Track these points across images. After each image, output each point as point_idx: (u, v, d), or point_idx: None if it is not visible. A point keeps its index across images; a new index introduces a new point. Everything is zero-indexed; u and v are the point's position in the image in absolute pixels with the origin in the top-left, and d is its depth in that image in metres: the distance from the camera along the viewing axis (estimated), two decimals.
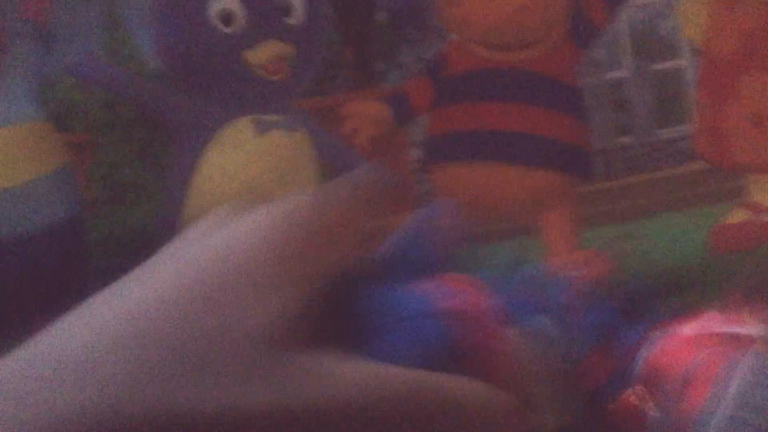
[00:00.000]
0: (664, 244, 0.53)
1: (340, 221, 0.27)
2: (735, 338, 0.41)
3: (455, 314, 0.32)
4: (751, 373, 0.41)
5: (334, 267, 0.26)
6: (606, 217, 0.49)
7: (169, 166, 0.52)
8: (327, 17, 0.51)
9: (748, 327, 0.39)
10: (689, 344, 0.44)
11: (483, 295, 0.36)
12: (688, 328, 0.44)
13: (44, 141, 0.51)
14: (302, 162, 0.53)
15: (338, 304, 0.30)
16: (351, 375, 0.26)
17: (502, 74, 0.53)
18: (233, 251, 0.25)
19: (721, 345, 0.41)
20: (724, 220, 0.57)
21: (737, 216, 0.55)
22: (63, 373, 0.23)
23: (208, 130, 0.52)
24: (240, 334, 0.23)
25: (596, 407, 0.48)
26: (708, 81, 0.58)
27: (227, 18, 0.49)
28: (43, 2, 0.49)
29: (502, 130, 0.52)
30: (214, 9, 0.50)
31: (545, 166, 0.55)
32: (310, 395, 0.23)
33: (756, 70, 0.55)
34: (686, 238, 0.53)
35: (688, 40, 0.55)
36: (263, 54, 0.50)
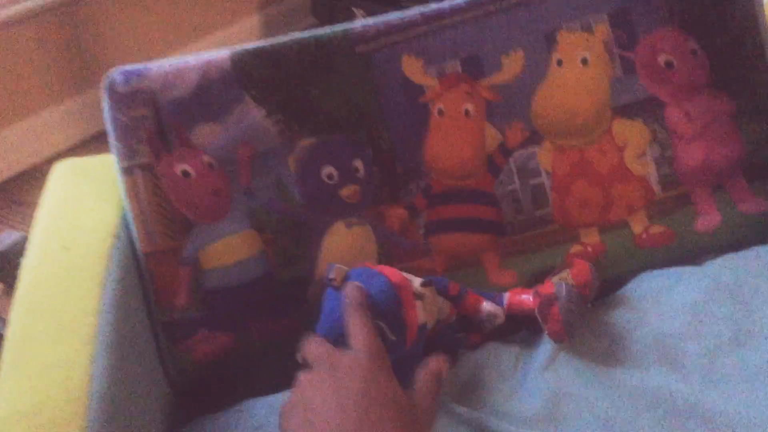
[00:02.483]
0: None
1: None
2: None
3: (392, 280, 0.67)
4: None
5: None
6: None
7: (306, 247, 0.86)
8: (376, 172, 0.86)
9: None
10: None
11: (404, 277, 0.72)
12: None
13: (250, 238, 0.85)
14: (371, 243, 0.87)
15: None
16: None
17: (460, 189, 0.86)
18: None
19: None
20: None
21: None
22: None
23: (324, 227, 0.86)
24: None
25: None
26: None
27: (330, 177, 0.84)
28: (246, 176, 0.84)
29: (465, 217, 0.86)
30: (323, 173, 0.85)
31: (486, 232, 0.87)
32: None
33: None
34: None
35: None
36: (347, 191, 0.85)
